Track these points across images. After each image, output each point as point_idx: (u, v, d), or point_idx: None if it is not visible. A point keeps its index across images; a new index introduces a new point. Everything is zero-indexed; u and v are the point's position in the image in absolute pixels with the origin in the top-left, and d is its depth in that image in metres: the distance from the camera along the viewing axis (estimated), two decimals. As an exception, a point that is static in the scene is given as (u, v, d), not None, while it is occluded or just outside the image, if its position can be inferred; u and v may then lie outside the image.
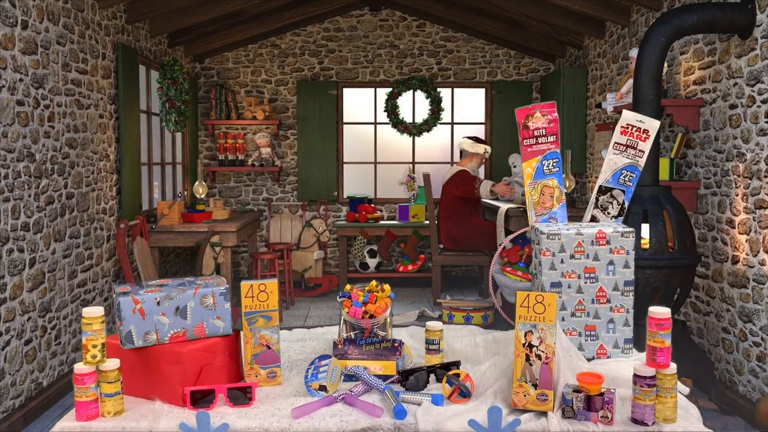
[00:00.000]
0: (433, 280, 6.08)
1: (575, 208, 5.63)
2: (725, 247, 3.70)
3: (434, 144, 7.55)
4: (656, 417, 1.24)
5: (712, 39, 3.84)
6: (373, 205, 7.04)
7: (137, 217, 4.94)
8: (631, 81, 4.04)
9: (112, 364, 1.29)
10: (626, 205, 1.66)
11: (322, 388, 1.36)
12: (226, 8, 5.65)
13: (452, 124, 7.52)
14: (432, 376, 1.44)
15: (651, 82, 3.46)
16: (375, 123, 7.50)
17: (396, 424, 1.27)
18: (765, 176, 3.31)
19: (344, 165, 7.46)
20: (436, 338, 1.54)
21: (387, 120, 7.37)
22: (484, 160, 6.19)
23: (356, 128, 7.51)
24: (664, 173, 4.00)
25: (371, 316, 1.52)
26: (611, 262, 1.48)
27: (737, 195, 3.56)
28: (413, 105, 7.43)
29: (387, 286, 1.58)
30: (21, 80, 3.49)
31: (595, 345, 1.51)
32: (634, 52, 4.16)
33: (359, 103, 7.50)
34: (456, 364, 1.47)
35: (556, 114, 1.65)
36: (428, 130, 7.41)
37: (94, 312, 1.28)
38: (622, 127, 1.65)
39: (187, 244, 5.23)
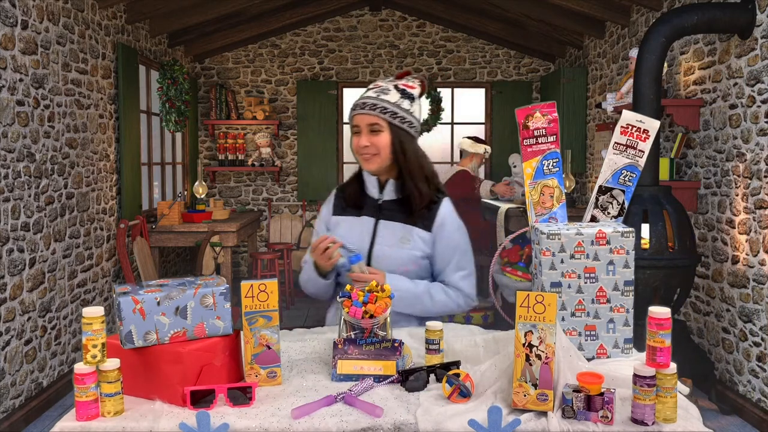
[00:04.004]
0: (433, 280, 6.06)
1: (575, 208, 5.64)
2: (725, 247, 3.70)
3: (434, 144, 7.54)
4: (656, 417, 1.24)
5: (712, 39, 3.84)
6: (373, 205, 7.02)
7: (137, 217, 4.94)
8: (631, 81, 4.03)
9: (112, 364, 1.29)
10: (626, 205, 1.66)
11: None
12: (226, 8, 5.65)
13: (452, 124, 7.52)
14: (432, 376, 1.44)
15: (651, 82, 3.46)
16: (375, 123, 7.49)
17: (396, 423, 1.27)
18: (765, 176, 3.31)
19: (344, 165, 7.46)
20: (436, 338, 1.54)
21: (387, 120, 7.36)
22: (484, 160, 6.18)
23: (356, 128, 7.51)
24: (664, 173, 4.00)
25: (371, 316, 1.52)
26: (611, 262, 1.48)
27: (737, 195, 3.56)
28: (413, 105, 7.43)
29: (387, 286, 1.58)
30: (21, 80, 3.49)
31: (595, 345, 1.51)
32: (634, 52, 4.16)
33: (359, 103, 7.49)
34: (456, 364, 1.47)
35: (556, 114, 1.65)
36: (428, 130, 7.41)
37: (94, 312, 1.28)
38: (622, 127, 1.65)
39: (187, 244, 5.23)
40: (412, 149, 1.93)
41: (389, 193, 1.97)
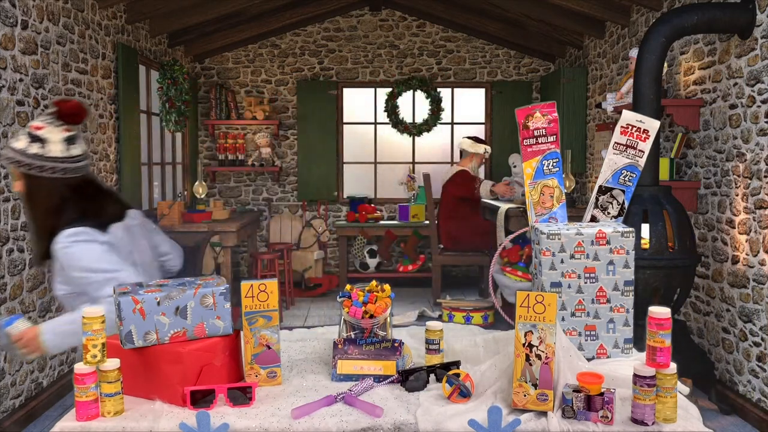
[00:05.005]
0: (433, 280, 6.07)
1: (575, 208, 5.63)
2: (725, 247, 3.70)
3: (434, 144, 7.54)
4: (656, 417, 1.24)
5: (712, 39, 3.84)
6: (373, 205, 7.04)
7: (137, 217, 4.93)
8: (631, 81, 4.03)
9: (112, 364, 1.29)
10: (626, 205, 1.66)
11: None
12: (226, 8, 5.65)
13: (452, 124, 7.52)
14: (432, 376, 1.44)
15: (651, 82, 3.45)
16: (375, 123, 7.50)
17: (396, 423, 1.27)
18: (765, 176, 3.31)
19: (344, 165, 7.46)
20: (436, 338, 1.54)
21: (387, 120, 7.36)
22: (484, 160, 6.19)
23: (356, 128, 7.51)
24: (664, 173, 4.00)
25: (371, 316, 1.52)
26: (611, 262, 1.48)
27: (737, 195, 3.56)
28: (413, 105, 7.43)
29: (387, 286, 1.58)
30: (21, 80, 3.49)
31: (595, 345, 1.51)
32: (634, 52, 4.16)
33: (359, 103, 7.49)
34: (456, 364, 1.47)
35: (556, 114, 1.65)
36: (428, 130, 7.41)
37: (94, 312, 1.28)
38: (622, 127, 1.65)
39: (187, 244, 5.22)
40: (42, 194, 1.87)
41: None
